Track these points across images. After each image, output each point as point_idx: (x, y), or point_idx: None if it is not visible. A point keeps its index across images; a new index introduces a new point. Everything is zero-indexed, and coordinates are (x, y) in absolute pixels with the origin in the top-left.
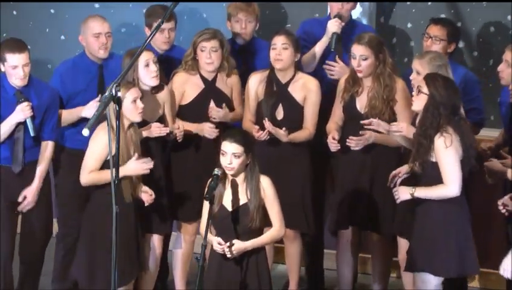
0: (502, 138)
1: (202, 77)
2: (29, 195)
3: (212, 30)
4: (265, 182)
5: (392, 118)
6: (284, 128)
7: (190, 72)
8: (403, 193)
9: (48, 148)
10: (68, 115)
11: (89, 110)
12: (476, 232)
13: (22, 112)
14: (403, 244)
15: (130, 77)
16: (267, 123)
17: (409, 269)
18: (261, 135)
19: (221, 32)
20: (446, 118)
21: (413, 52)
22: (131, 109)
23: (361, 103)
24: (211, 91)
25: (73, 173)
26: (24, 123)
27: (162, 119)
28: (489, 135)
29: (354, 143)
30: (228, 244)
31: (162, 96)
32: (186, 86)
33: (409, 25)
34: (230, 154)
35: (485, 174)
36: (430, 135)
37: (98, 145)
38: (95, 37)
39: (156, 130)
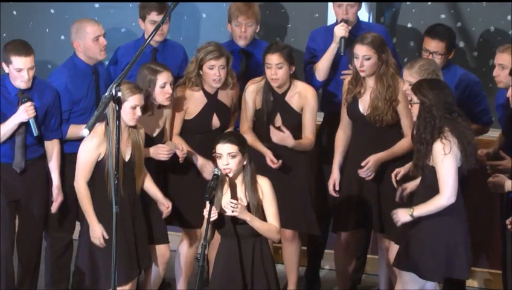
0: (499, 142)
1: (205, 92)
2: (59, 195)
3: (218, 47)
4: (263, 183)
5: (394, 119)
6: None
7: (193, 89)
8: (402, 215)
9: (55, 146)
10: (75, 131)
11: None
12: (476, 233)
13: (26, 112)
14: (394, 246)
15: (143, 86)
16: (273, 131)
17: (397, 266)
18: (276, 165)
19: (223, 46)
20: (441, 118)
21: (413, 52)
22: (128, 113)
23: (363, 105)
24: (213, 104)
25: (68, 177)
26: (26, 123)
27: (162, 134)
28: (490, 135)
29: (364, 174)
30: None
31: (165, 111)
32: (189, 103)
33: (409, 25)
34: (226, 154)
35: (484, 175)
36: (427, 139)
37: (86, 152)
38: (94, 40)
39: (164, 155)
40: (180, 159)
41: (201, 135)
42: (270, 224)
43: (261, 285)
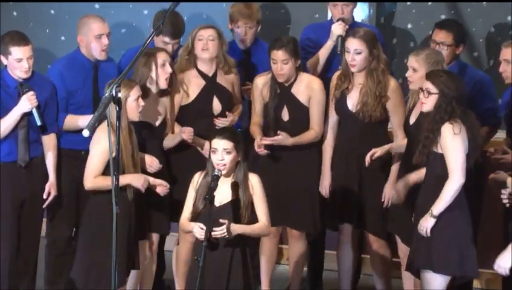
0: (505, 143)
1: (201, 73)
2: (52, 189)
3: (210, 24)
4: (254, 180)
5: (383, 115)
6: (283, 133)
7: (187, 68)
8: (425, 222)
9: (52, 140)
10: (71, 121)
11: (85, 120)
12: (477, 233)
13: (29, 101)
14: (402, 242)
15: (144, 76)
16: (265, 140)
17: (409, 269)
18: (261, 151)
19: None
20: (458, 110)
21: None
22: (134, 107)
23: (352, 101)
24: (212, 87)
25: (66, 174)
26: (28, 115)
27: (165, 123)
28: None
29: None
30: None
31: (166, 99)
32: (186, 85)
33: (409, 26)
34: (222, 150)
35: (485, 174)
36: (438, 128)
37: (100, 149)
38: (97, 38)
39: (152, 168)
40: (187, 138)
41: (203, 120)
42: (259, 225)
43: (238, 285)
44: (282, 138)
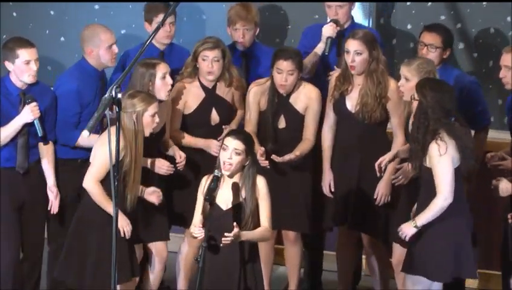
0: (511, 148)
1: (202, 85)
2: (54, 192)
3: (215, 39)
4: (261, 183)
5: (383, 116)
6: (289, 156)
7: (189, 80)
8: (407, 229)
9: (50, 147)
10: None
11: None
12: (476, 233)
13: (32, 112)
14: (397, 248)
15: (144, 88)
16: (277, 158)
17: (406, 271)
18: (265, 164)
19: (223, 41)
20: (436, 121)
21: (413, 53)
22: (149, 122)
23: (351, 102)
24: (212, 99)
25: (63, 181)
26: (29, 125)
27: (163, 131)
28: (490, 136)
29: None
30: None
31: (164, 108)
32: (188, 96)
33: (409, 26)
34: (232, 149)
35: (484, 177)
36: (419, 138)
37: (106, 151)
38: (108, 48)
39: (163, 170)
40: (178, 166)
41: (201, 130)
42: (262, 230)
43: (250, 284)
44: (293, 157)
